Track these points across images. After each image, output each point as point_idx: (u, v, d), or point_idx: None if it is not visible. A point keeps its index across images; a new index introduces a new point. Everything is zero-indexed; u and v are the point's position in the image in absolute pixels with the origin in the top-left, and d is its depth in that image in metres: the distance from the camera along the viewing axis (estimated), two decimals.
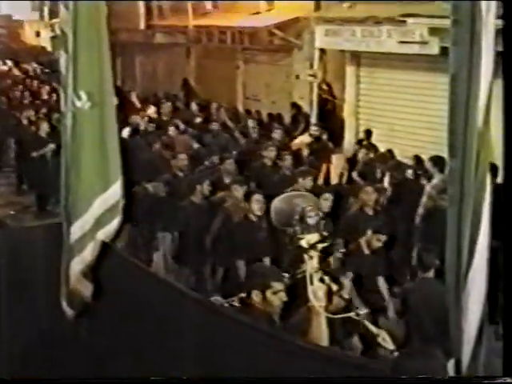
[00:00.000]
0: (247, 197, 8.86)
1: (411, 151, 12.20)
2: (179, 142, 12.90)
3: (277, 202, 7.72)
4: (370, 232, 8.08)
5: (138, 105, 17.87)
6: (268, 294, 5.03)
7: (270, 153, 11.14)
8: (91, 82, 4.51)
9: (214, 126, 14.34)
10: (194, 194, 9.27)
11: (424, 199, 9.52)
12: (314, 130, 13.44)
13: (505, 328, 3.46)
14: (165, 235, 9.60)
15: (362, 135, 14.39)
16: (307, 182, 9.40)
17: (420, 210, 9.51)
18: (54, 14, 30.89)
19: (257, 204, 8.53)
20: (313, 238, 4.87)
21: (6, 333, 5.08)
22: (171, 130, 13.48)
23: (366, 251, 8.03)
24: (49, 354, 4.99)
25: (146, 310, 4.66)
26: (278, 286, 5.07)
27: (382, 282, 8.12)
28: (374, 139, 13.62)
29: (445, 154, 3.82)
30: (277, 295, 5.02)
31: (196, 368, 4.32)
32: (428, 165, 10.31)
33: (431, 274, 6.50)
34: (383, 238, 8.02)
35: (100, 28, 4.55)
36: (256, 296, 5.03)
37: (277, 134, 12.95)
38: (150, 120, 14.71)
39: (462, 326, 3.47)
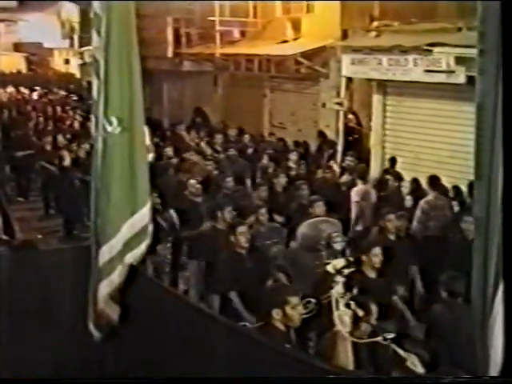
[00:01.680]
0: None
1: None
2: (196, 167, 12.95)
3: (303, 228, 7.77)
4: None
5: (187, 139, 16.80)
6: (287, 309, 5.08)
7: (280, 180, 11.37)
8: (122, 107, 4.60)
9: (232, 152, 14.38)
10: (216, 220, 9.27)
11: (418, 213, 10.14)
12: (349, 160, 13.40)
13: (505, 327, 3.44)
14: (189, 262, 9.58)
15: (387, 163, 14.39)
16: (317, 210, 9.30)
17: (414, 224, 9.88)
18: (83, 41, 31.34)
19: (242, 236, 8.24)
20: (339, 263, 4.90)
21: (33, 355, 5.14)
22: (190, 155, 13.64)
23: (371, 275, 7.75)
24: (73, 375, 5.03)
25: (173, 334, 4.69)
26: (294, 300, 5.12)
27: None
28: (399, 168, 13.61)
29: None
30: (295, 309, 5.06)
31: None
32: (424, 184, 11.35)
33: (459, 299, 6.47)
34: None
35: (131, 54, 4.64)
36: (277, 314, 5.08)
37: (292, 162, 12.99)
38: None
39: (489, 350, 3.46)
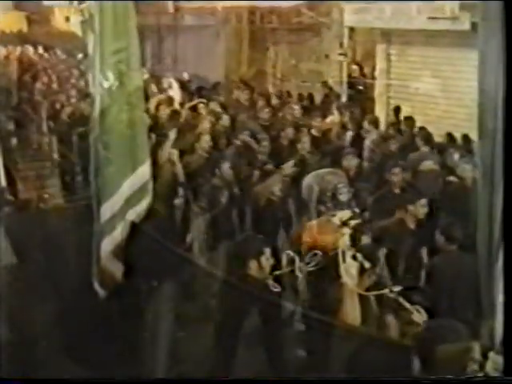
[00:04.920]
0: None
1: (444, 129, 12.07)
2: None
3: (308, 179, 7.69)
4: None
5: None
6: (262, 260, 5.02)
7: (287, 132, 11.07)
8: (118, 62, 4.52)
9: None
10: (216, 175, 9.18)
11: (366, 153, 10.12)
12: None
13: (505, 327, 3.41)
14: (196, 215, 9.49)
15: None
16: (351, 162, 9.24)
17: (365, 164, 9.73)
18: None
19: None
20: (345, 214, 4.83)
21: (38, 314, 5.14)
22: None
23: (411, 225, 7.77)
24: (79, 333, 5.04)
25: (175, 290, 4.67)
26: (268, 251, 5.06)
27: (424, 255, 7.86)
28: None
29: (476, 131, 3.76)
30: (268, 261, 5.01)
31: (218, 349, 4.32)
32: (365, 124, 11.36)
33: (455, 247, 6.39)
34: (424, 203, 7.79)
35: (126, 8, 4.55)
36: (253, 264, 5.02)
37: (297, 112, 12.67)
38: None
39: (493, 294, 3.44)
